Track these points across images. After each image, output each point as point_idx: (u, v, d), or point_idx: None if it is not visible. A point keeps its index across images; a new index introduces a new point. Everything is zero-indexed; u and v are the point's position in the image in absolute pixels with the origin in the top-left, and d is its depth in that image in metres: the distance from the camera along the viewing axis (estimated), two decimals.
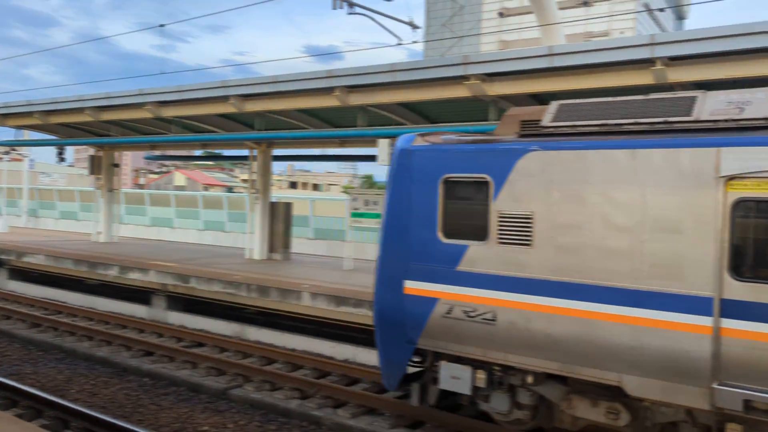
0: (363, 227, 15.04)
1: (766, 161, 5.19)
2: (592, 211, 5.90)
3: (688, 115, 5.91)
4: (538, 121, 6.68)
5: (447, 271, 6.74)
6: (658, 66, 8.75)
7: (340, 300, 10.89)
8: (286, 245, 17.19)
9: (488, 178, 6.48)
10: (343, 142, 16.57)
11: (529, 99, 10.94)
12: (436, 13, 26.82)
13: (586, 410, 6.19)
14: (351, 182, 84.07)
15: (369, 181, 75.82)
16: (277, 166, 78.92)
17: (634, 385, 5.70)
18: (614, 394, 5.96)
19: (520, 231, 6.31)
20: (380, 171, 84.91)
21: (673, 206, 5.54)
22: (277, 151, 17.94)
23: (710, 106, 5.88)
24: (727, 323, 5.33)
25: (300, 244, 20.59)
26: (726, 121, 5.69)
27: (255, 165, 16.96)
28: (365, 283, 11.95)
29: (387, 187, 7.20)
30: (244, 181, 59.74)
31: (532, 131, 6.63)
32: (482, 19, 25.49)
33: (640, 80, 9.09)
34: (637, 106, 6.26)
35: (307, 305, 11.37)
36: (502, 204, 6.41)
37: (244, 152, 18.77)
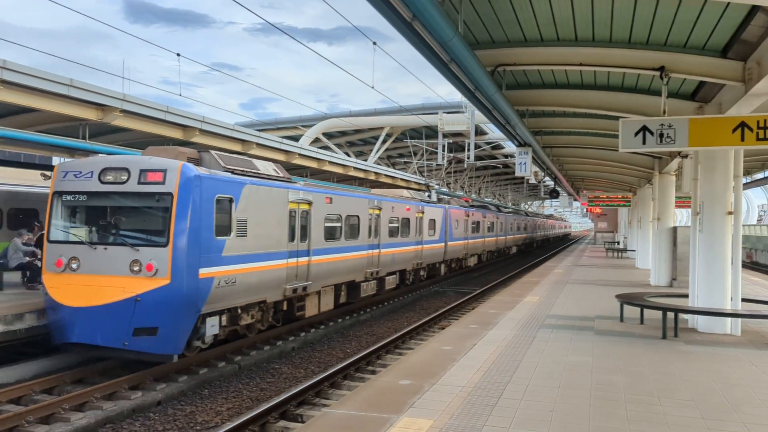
0: None
1: (297, 195, 13.60)
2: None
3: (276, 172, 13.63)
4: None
5: (218, 257, 10.84)
6: None
7: None
8: None
9: (238, 195, 11.44)
10: None
11: None
12: None
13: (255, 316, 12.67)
14: None
15: None
16: None
17: (270, 297, 12.79)
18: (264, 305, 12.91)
19: (245, 225, 11.65)
20: None
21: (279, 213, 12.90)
22: None
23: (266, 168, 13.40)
24: (292, 261, 13.39)
25: None
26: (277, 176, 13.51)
27: None
28: None
29: (177, 197, 10.23)
30: None
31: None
32: None
33: None
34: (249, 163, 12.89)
35: None
36: (238, 210, 11.45)
37: None
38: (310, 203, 14.26)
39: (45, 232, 10.96)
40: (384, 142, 34.44)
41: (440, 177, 43.21)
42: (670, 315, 10.36)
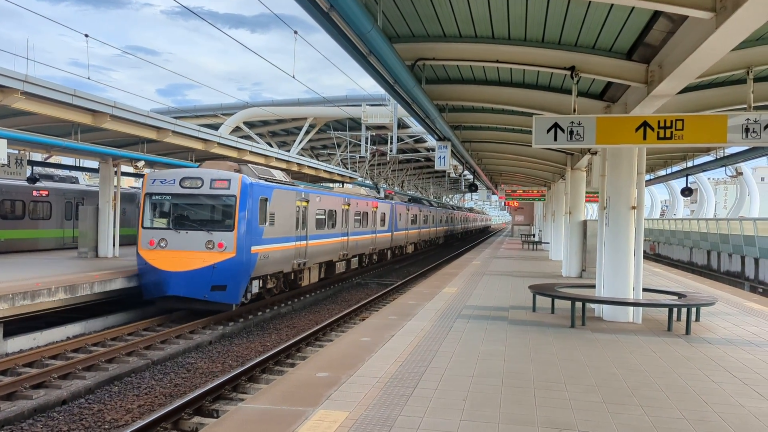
0: None
1: (300, 195, 18.55)
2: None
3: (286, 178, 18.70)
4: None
5: (260, 239, 15.49)
6: None
7: None
8: None
9: (270, 196, 15.97)
10: None
11: None
12: None
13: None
14: None
15: None
16: None
17: (285, 269, 17.65)
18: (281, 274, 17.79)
19: (271, 216, 15.96)
20: None
21: (291, 208, 17.80)
22: None
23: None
24: (297, 243, 18.33)
25: None
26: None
27: None
28: None
29: (239, 199, 14.80)
30: None
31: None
32: None
33: None
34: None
35: None
36: (270, 207, 16.00)
37: None
38: (308, 201, 19.19)
39: (139, 221, 15.14)
40: (307, 133, 34.11)
41: (363, 169, 43.29)
42: (578, 305, 10.85)
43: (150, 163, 20.46)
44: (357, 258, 25.69)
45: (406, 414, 5.82)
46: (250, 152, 21.98)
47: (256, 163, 22.73)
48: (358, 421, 5.59)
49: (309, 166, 27.24)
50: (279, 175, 18.24)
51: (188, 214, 15.00)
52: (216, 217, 14.85)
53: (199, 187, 14.91)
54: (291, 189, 17.80)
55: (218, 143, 19.83)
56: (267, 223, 15.85)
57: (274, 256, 16.46)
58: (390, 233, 31.13)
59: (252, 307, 16.83)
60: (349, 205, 23.84)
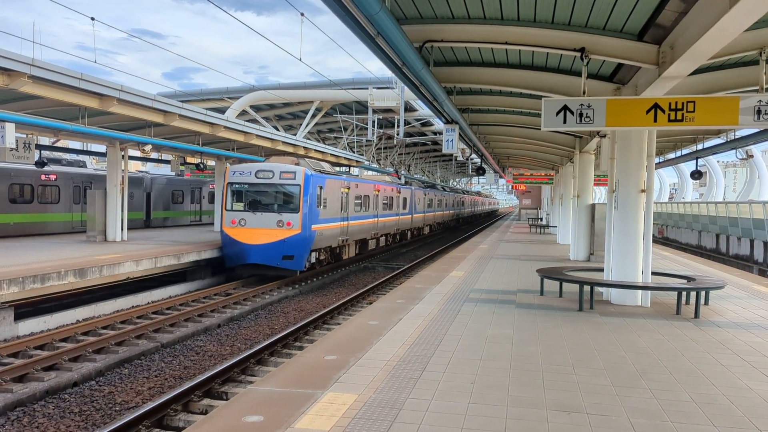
0: None
1: (343, 183, 22.24)
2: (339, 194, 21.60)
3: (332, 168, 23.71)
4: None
5: (317, 219, 19.22)
6: None
7: None
8: None
9: (323, 184, 19.64)
10: None
11: None
12: None
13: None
14: None
15: None
16: None
17: (332, 244, 21.32)
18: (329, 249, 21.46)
19: (324, 201, 19.79)
20: None
21: (337, 194, 21.42)
22: None
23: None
24: (341, 223, 22.22)
25: None
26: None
27: None
28: None
29: (303, 187, 18.37)
30: None
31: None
32: None
33: None
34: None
35: None
36: (324, 193, 19.76)
37: None
38: (349, 188, 22.73)
39: (222, 205, 18.85)
40: (314, 116, 34.00)
41: (370, 153, 43.17)
42: (586, 288, 10.83)
43: (157, 147, 20.45)
44: (384, 237, 29.41)
45: (414, 397, 5.84)
46: (257, 136, 21.94)
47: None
48: (366, 404, 5.62)
49: (316, 150, 27.18)
50: (326, 166, 22.20)
51: (262, 199, 18.66)
52: (285, 202, 18.55)
53: (271, 178, 18.54)
54: (337, 178, 21.58)
55: (225, 127, 19.79)
56: (322, 207, 19.57)
57: (326, 233, 20.26)
58: (410, 216, 34.79)
59: (260, 290, 16.93)
60: (378, 191, 27.37)
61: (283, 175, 18.43)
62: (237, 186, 18.75)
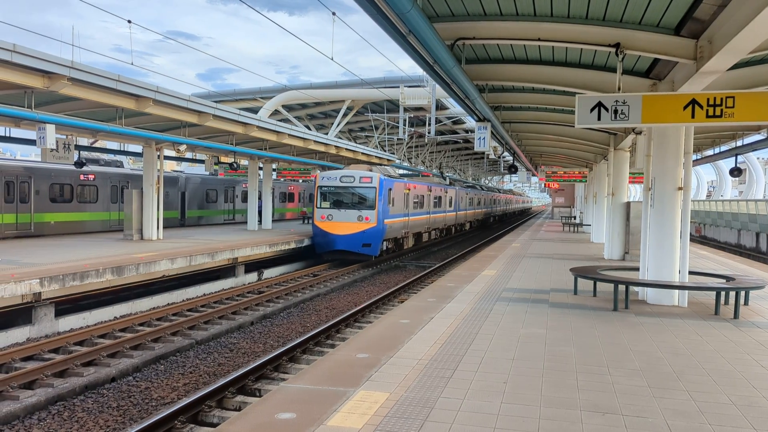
0: None
1: (406, 185, 27.21)
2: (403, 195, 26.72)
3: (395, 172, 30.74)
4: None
5: (388, 215, 24.15)
6: None
7: None
8: None
9: (392, 186, 24.70)
10: None
11: None
12: None
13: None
14: None
15: None
16: None
17: (398, 236, 26.43)
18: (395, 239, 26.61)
19: (392, 200, 24.78)
20: None
21: (402, 195, 26.35)
22: None
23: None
24: (404, 218, 27.11)
25: None
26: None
27: None
28: None
29: (378, 190, 23.43)
30: None
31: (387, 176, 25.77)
32: None
33: None
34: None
35: None
36: (392, 194, 24.57)
37: None
38: (409, 189, 26.96)
39: (314, 204, 23.61)
40: (345, 115, 34.12)
41: (401, 151, 43.14)
42: (621, 288, 10.65)
43: (191, 147, 20.78)
44: (434, 231, 33.50)
45: (446, 396, 5.83)
46: (289, 135, 22.11)
47: (284, 146, 23.40)
48: (398, 402, 5.62)
49: (347, 149, 27.28)
50: (392, 171, 27.94)
51: (345, 199, 23.37)
52: (363, 201, 23.25)
53: (352, 182, 23.32)
54: (401, 181, 26.35)
55: (257, 126, 20.00)
56: (391, 205, 24.04)
57: (394, 226, 24.81)
58: (455, 213, 39.24)
59: (291, 287, 17.07)
60: (431, 191, 31.69)
61: (362, 179, 23.17)
62: (325, 189, 23.57)
